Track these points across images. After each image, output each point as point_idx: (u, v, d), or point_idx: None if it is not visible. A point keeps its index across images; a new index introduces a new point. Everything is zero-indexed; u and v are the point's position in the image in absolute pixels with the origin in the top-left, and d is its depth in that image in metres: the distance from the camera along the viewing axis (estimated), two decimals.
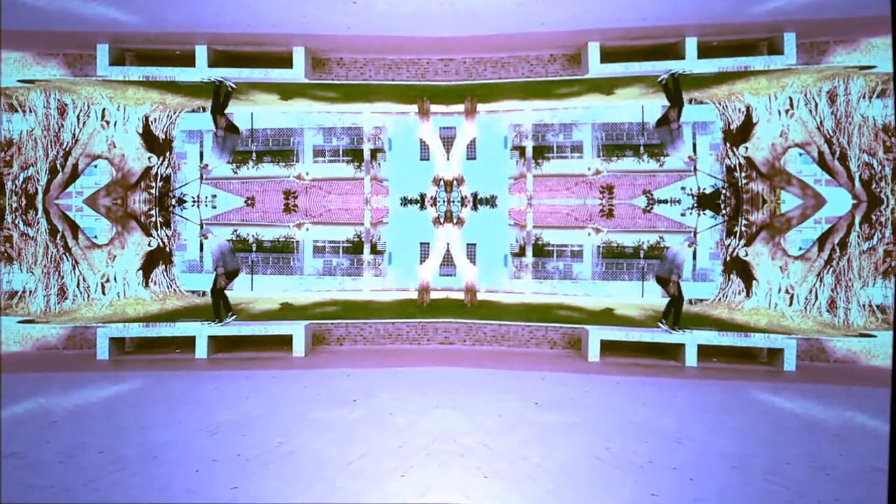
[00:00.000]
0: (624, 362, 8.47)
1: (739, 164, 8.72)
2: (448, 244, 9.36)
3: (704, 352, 8.29)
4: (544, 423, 6.34)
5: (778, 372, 8.15)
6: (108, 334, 8.59)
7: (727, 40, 8.43)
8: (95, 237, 9.09)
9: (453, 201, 9.26)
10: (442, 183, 9.28)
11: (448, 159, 9.26)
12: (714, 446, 5.83)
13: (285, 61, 8.90)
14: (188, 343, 8.57)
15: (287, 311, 9.05)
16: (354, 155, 9.45)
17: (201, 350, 8.52)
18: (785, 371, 8.12)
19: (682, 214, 9.02)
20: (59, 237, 8.98)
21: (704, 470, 5.42)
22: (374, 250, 9.44)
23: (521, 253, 9.32)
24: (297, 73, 8.89)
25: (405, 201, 9.35)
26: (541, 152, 9.30)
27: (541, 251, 9.31)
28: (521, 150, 9.30)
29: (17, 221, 8.85)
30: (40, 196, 8.87)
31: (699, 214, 8.95)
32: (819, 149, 8.44)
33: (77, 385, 7.51)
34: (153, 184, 9.11)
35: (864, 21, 7.73)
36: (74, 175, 8.96)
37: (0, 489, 4.97)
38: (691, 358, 8.25)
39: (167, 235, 9.19)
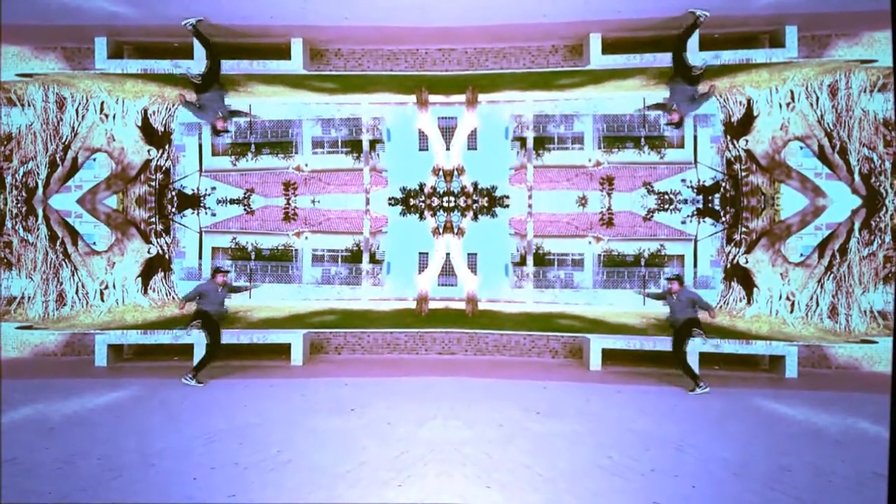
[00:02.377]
0: (625, 371, 8.43)
1: (739, 156, 8.69)
2: (448, 254, 9.30)
3: (706, 359, 8.23)
4: (546, 431, 6.35)
5: (779, 379, 8.11)
6: (107, 341, 8.56)
7: (729, 32, 8.40)
8: (95, 244, 9.04)
9: (454, 207, 9.20)
10: (441, 173, 9.23)
11: (449, 149, 9.20)
12: (716, 454, 5.86)
13: (283, 52, 8.88)
14: (186, 351, 8.50)
15: (285, 320, 8.98)
16: (353, 146, 9.36)
17: (199, 358, 8.42)
18: (786, 378, 8.08)
19: (683, 222, 8.98)
20: (58, 243, 8.91)
21: (706, 477, 5.46)
22: (373, 259, 9.38)
23: (522, 262, 9.26)
24: (295, 64, 8.87)
25: (404, 192, 9.26)
26: (542, 143, 9.20)
27: (542, 260, 9.25)
28: (522, 141, 9.21)
29: (17, 227, 8.81)
30: (40, 191, 8.80)
31: (699, 222, 8.92)
32: (819, 142, 8.36)
33: (75, 391, 7.53)
34: (153, 176, 9.07)
35: (867, 15, 7.72)
36: (74, 168, 8.87)
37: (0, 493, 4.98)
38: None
39: (166, 243, 9.14)
